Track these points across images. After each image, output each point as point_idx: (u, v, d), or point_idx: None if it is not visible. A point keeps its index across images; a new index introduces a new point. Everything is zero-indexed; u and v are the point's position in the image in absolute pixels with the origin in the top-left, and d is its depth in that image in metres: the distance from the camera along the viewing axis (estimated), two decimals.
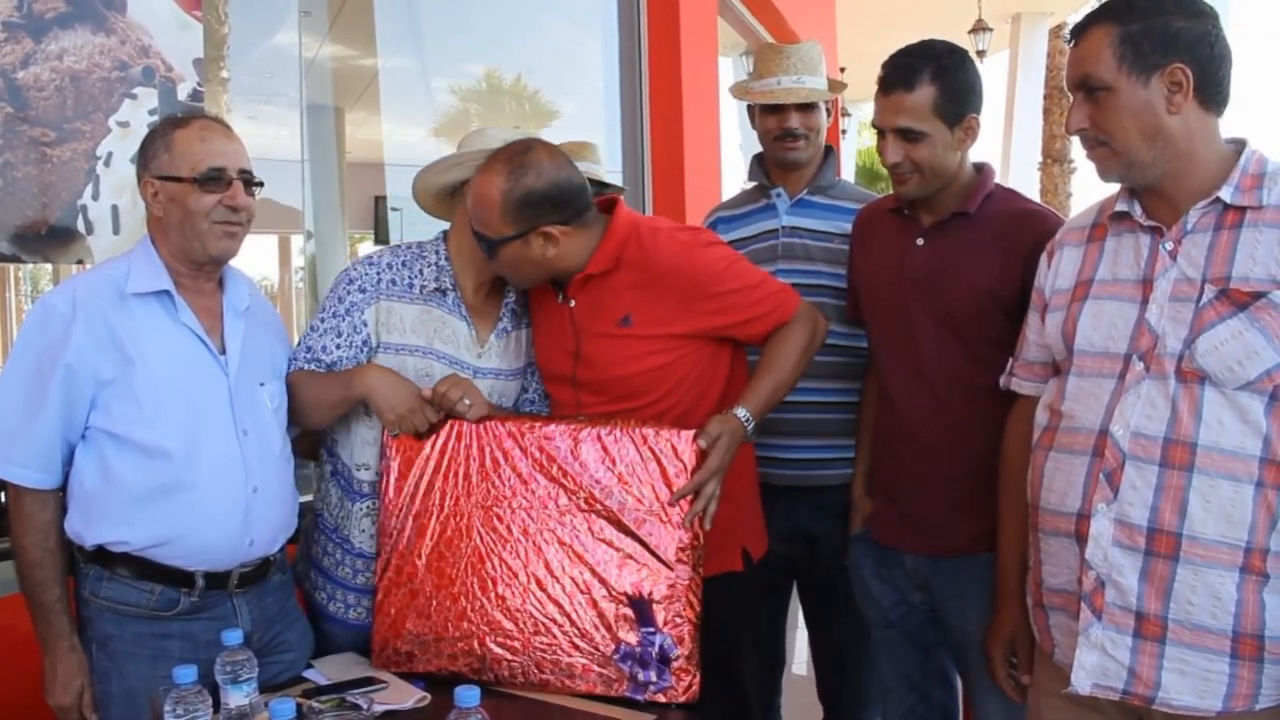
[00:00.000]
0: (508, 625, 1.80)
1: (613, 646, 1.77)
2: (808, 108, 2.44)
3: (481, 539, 1.82)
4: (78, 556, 1.76)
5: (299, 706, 1.51)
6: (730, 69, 6.77)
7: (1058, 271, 1.67)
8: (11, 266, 2.40)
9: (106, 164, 2.39)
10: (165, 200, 1.77)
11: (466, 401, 1.84)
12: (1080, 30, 1.54)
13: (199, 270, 1.82)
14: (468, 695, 1.40)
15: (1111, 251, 1.59)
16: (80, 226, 2.35)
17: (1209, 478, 1.42)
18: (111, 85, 2.40)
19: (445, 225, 2.08)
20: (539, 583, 1.80)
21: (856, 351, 2.27)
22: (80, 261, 2.36)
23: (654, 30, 4.44)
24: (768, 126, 2.46)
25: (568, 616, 1.79)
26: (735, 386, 1.94)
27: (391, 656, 1.85)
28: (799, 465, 2.37)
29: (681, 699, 1.75)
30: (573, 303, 1.96)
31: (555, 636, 1.79)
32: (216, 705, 1.55)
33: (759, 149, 2.55)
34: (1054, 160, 14.80)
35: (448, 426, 1.86)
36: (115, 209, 2.40)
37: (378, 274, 1.96)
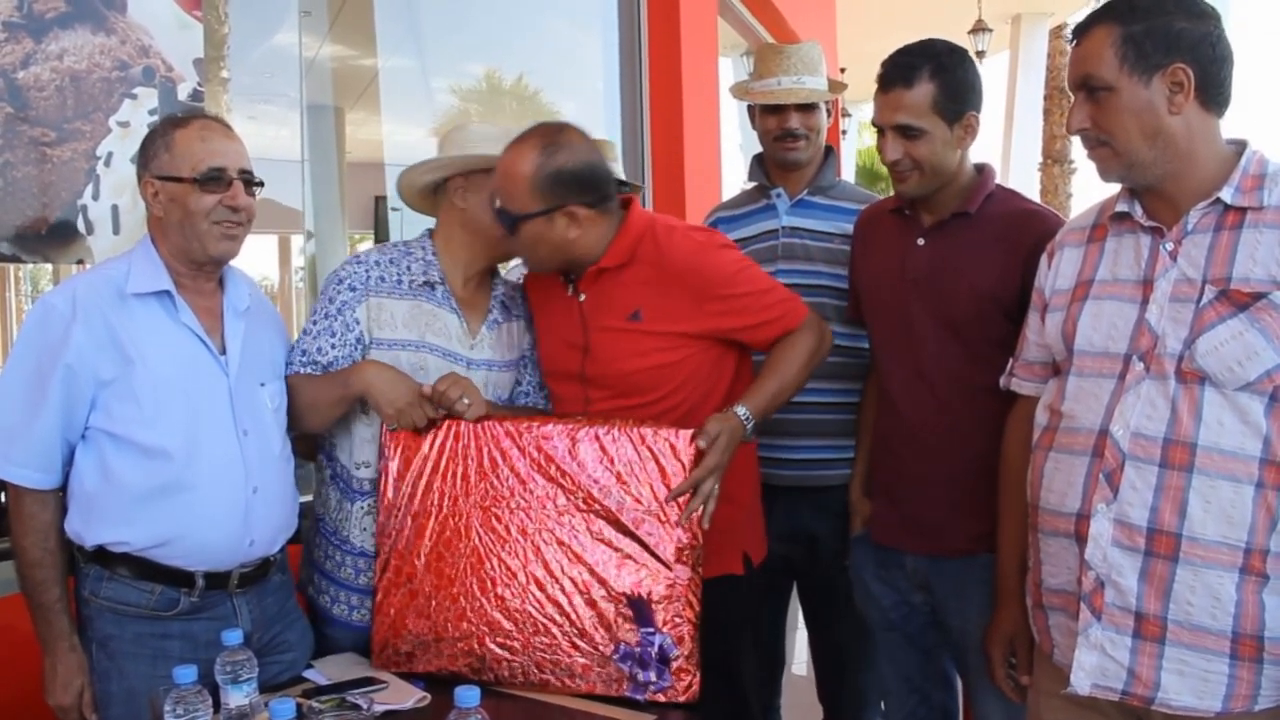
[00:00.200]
0: (507, 625, 1.80)
1: (612, 646, 1.77)
2: (808, 108, 2.44)
3: (480, 539, 1.82)
4: (78, 556, 1.76)
5: (299, 706, 1.51)
6: (730, 69, 6.78)
7: (1058, 272, 1.67)
8: (11, 266, 2.39)
9: (107, 164, 2.39)
10: (165, 200, 1.77)
11: (466, 401, 1.84)
12: (1082, 30, 1.54)
13: (199, 270, 1.81)
14: (468, 695, 1.40)
15: (1112, 252, 1.59)
16: (80, 226, 2.35)
17: (1209, 478, 1.42)
18: (112, 85, 2.40)
19: None
20: (538, 583, 1.80)
21: (857, 352, 2.27)
22: (80, 261, 2.36)
23: (654, 30, 4.45)
24: (768, 127, 2.46)
25: (567, 616, 1.79)
26: (739, 391, 1.94)
27: (391, 656, 1.85)
28: (799, 465, 2.37)
29: (681, 699, 1.75)
30: (582, 296, 1.97)
31: (555, 636, 1.79)
32: (216, 705, 1.55)
33: (759, 149, 2.55)
34: (1054, 161, 14.81)
35: (446, 426, 1.86)
36: (115, 209, 2.40)
37: (366, 271, 1.97)
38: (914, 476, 2.00)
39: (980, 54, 11.04)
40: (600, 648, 1.77)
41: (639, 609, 1.76)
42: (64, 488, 1.76)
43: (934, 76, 1.87)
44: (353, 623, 2.00)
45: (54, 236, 2.31)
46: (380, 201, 5.34)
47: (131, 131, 2.39)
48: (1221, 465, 1.42)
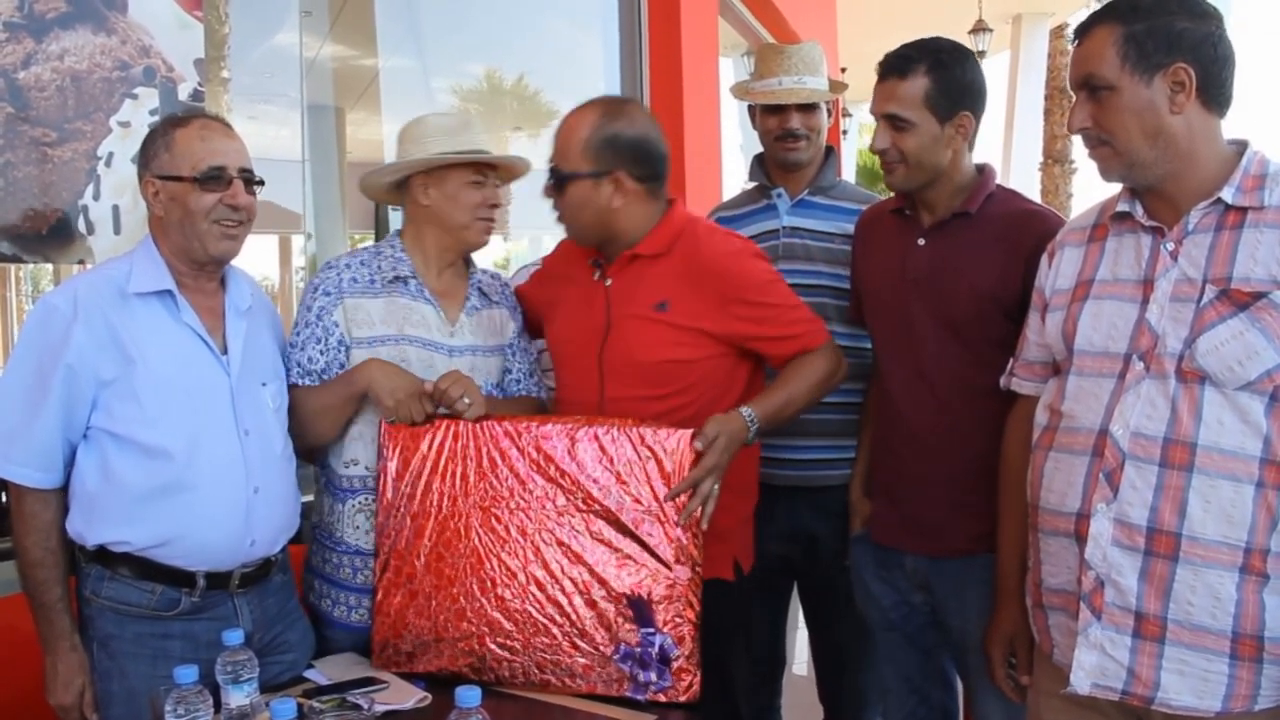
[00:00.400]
0: (508, 625, 1.80)
1: (613, 647, 1.77)
2: (809, 108, 2.44)
3: (480, 539, 1.82)
4: (79, 556, 1.76)
5: (300, 706, 1.51)
6: (731, 69, 6.78)
7: (1058, 271, 1.67)
8: (12, 266, 2.39)
9: (107, 164, 2.39)
10: (166, 200, 1.77)
11: (466, 400, 1.84)
12: (1084, 30, 1.54)
13: (200, 270, 1.82)
14: (469, 695, 1.40)
15: (1112, 251, 1.59)
16: (81, 226, 2.35)
17: (1209, 478, 1.42)
18: (112, 85, 2.40)
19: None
20: (538, 583, 1.80)
21: (859, 352, 2.27)
22: (81, 261, 2.36)
23: (655, 30, 4.44)
24: (768, 127, 2.46)
25: (567, 617, 1.79)
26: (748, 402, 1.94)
27: (392, 656, 1.85)
28: (800, 465, 2.37)
29: (682, 699, 1.75)
30: (609, 282, 1.98)
31: (555, 637, 1.79)
32: (217, 705, 1.55)
33: (760, 149, 2.55)
34: (1055, 161, 14.80)
35: (445, 426, 1.86)
36: (116, 209, 2.40)
37: (338, 275, 1.99)
38: (914, 476, 2.00)
39: (981, 54, 11.05)
40: (601, 648, 1.77)
41: (639, 609, 1.76)
42: (65, 488, 1.76)
43: (930, 72, 1.88)
44: (352, 623, 2.00)
45: (55, 236, 2.31)
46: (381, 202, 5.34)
47: (132, 131, 2.39)
48: (1222, 465, 1.42)
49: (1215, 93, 1.49)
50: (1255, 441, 1.41)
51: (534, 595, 1.80)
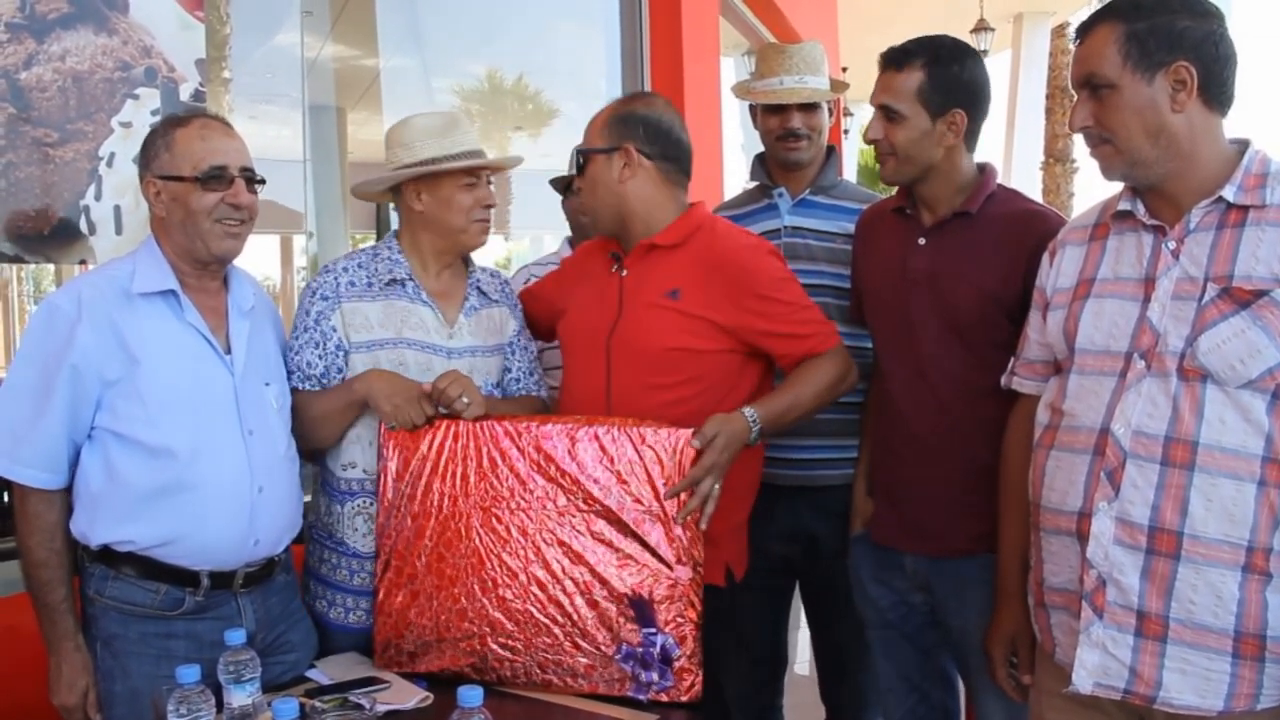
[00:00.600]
0: (509, 625, 1.81)
1: (614, 647, 1.77)
2: (810, 108, 2.44)
3: (481, 540, 1.82)
4: (83, 556, 1.76)
5: (302, 706, 1.52)
6: (732, 69, 6.77)
7: (1059, 270, 1.67)
8: (14, 266, 2.40)
9: (109, 164, 2.39)
10: (167, 200, 1.77)
11: (465, 400, 1.84)
12: (1086, 28, 1.54)
13: (203, 270, 1.82)
14: (471, 695, 1.40)
15: (1114, 250, 1.59)
16: (83, 227, 2.35)
17: (1210, 476, 1.42)
18: (114, 86, 2.40)
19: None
20: (539, 583, 1.80)
21: (860, 352, 2.26)
22: (83, 261, 2.36)
23: (656, 30, 4.45)
24: (770, 126, 2.46)
25: (569, 617, 1.79)
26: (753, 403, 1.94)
27: (394, 656, 1.86)
28: (800, 465, 2.37)
29: (684, 699, 1.75)
30: (625, 273, 2.00)
31: (557, 637, 1.79)
32: (220, 705, 1.55)
33: (761, 149, 2.55)
34: (1056, 160, 14.79)
35: (445, 426, 1.86)
36: (118, 209, 2.40)
37: (335, 279, 1.99)
38: (914, 477, 1.99)
39: (983, 53, 11.04)
40: (602, 648, 1.77)
41: (641, 609, 1.76)
42: (70, 488, 1.76)
43: (926, 66, 1.89)
44: (350, 625, 2.00)
45: (57, 237, 2.32)
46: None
47: (134, 132, 2.39)
48: (1223, 463, 1.42)
49: (1217, 91, 1.49)
50: (1257, 440, 1.41)
51: (535, 595, 1.80)
